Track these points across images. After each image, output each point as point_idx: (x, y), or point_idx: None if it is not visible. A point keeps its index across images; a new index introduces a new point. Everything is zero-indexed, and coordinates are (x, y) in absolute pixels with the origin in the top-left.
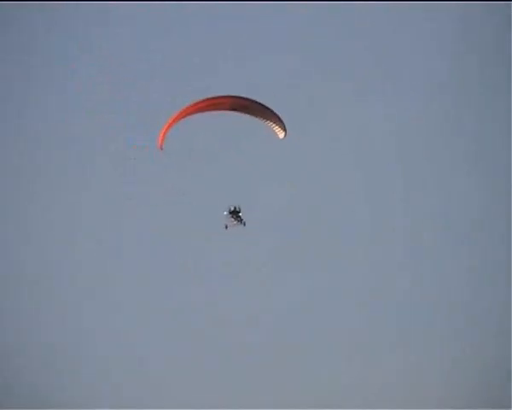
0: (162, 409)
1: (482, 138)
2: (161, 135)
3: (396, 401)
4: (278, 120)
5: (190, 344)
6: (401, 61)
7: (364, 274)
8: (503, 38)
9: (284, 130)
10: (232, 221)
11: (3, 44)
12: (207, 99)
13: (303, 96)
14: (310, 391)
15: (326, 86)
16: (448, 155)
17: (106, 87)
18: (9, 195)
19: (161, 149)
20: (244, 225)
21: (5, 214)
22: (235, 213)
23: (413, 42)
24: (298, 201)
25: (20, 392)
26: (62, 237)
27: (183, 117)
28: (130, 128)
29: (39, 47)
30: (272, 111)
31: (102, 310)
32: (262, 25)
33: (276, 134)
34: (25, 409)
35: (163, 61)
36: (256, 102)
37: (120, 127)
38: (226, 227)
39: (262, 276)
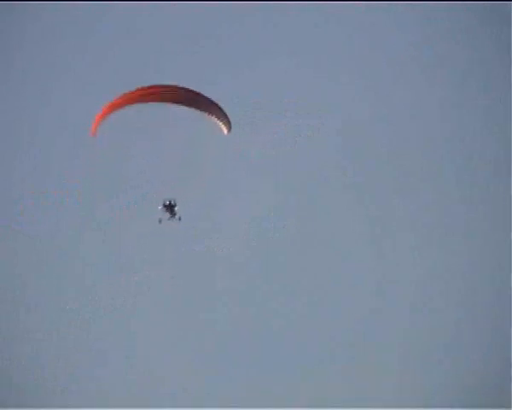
0: (162, 409)
1: (482, 143)
2: (95, 123)
3: (396, 401)
4: (224, 115)
5: (190, 343)
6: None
7: (365, 274)
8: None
9: (229, 125)
10: (167, 215)
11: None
12: (150, 87)
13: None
14: (310, 391)
15: (322, 88)
16: (447, 159)
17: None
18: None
19: (94, 135)
20: (179, 219)
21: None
22: (170, 208)
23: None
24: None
25: (21, 391)
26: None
27: (121, 106)
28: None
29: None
30: (218, 105)
31: (101, 308)
32: (262, 27)
33: (220, 129)
34: (24, 409)
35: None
36: (201, 94)
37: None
38: (160, 221)
39: (267, 275)
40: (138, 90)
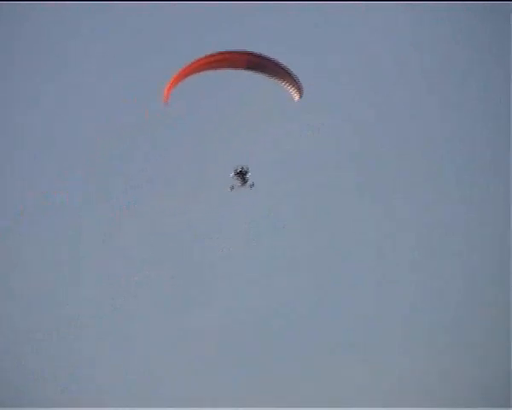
0: (162, 408)
1: (481, 146)
2: (167, 90)
3: (396, 400)
4: (294, 81)
5: (190, 344)
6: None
7: (368, 278)
8: (502, 42)
9: (300, 91)
10: (238, 183)
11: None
12: (220, 53)
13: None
14: (311, 391)
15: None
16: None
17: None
18: None
19: (166, 103)
20: (251, 187)
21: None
22: (241, 175)
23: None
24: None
25: (21, 391)
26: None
27: (192, 73)
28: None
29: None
30: (289, 71)
31: (103, 308)
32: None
33: (291, 95)
34: (24, 408)
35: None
36: (273, 60)
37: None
38: (232, 189)
39: (267, 276)
40: (208, 56)
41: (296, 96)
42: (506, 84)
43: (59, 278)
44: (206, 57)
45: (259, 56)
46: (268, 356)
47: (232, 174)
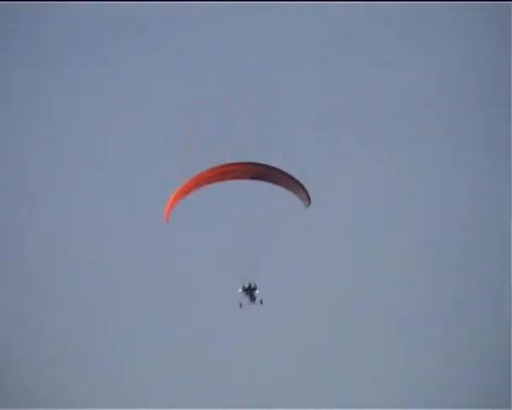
0: (163, 409)
1: (480, 140)
2: (168, 208)
3: (396, 400)
4: (301, 189)
5: (190, 344)
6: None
7: (369, 280)
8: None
9: (308, 199)
10: (247, 300)
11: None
12: (221, 166)
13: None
14: (311, 391)
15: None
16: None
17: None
18: None
19: (168, 222)
20: (261, 303)
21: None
22: (249, 291)
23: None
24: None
25: (21, 392)
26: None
27: (194, 189)
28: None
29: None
30: (295, 179)
31: (102, 309)
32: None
33: (301, 202)
34: (24, 409)
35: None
36: (278, 169)
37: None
38: (241, 306)
39: (281, 274)
40: (210, 170)
41: (304, 203)
42: (506, 84)
43: (61, 278)
44: (208, 171)
45: (263, 166)
46: (267, 356)
47: (240, 290)
